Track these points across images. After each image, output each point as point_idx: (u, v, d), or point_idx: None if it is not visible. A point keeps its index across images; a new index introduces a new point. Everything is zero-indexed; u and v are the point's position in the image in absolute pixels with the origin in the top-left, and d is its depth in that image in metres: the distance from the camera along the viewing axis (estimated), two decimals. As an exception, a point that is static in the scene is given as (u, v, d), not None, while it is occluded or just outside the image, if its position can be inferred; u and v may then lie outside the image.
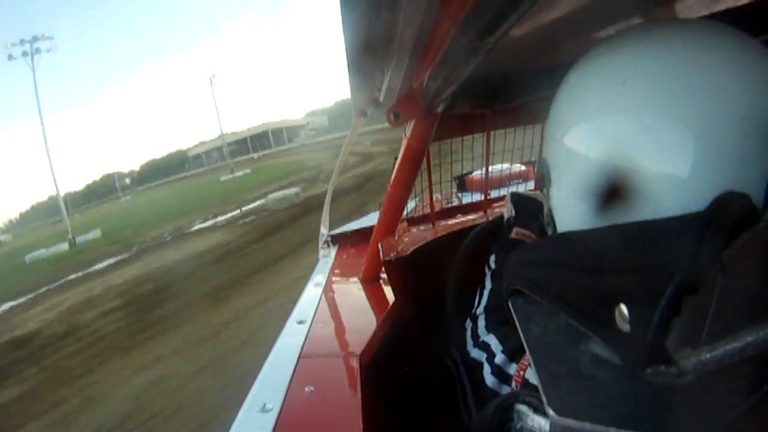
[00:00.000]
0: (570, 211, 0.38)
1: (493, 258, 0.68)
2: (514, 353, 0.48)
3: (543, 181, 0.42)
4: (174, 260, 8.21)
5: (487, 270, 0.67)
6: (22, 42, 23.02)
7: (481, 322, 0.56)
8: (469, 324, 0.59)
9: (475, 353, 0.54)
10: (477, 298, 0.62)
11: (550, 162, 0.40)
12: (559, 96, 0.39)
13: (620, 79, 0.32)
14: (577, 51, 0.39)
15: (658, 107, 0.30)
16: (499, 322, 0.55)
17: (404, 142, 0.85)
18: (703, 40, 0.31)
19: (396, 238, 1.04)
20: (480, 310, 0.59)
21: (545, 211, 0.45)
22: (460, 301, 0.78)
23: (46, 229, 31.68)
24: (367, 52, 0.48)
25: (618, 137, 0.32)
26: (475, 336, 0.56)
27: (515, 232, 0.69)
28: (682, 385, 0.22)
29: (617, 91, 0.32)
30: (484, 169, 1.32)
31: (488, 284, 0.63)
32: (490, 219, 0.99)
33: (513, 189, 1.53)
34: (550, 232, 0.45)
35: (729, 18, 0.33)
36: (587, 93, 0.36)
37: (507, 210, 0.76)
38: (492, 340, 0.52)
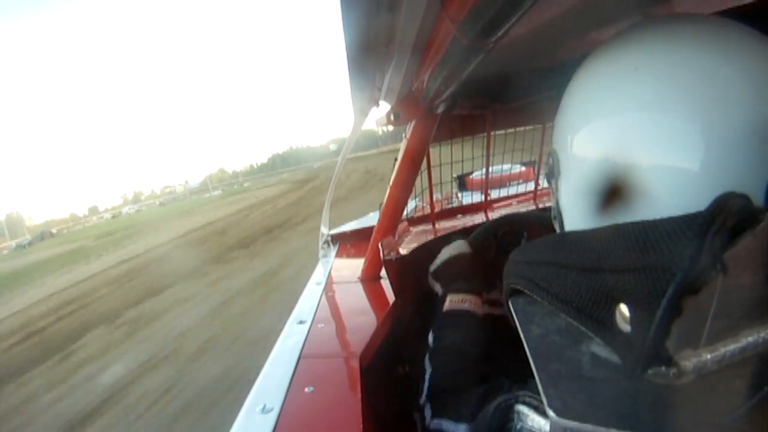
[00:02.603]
0: (577, 205, 0.38)
1: (431, 337, 0.63)
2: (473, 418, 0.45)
3: (552, 172, 0.42)
4: None
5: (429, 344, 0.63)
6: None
7: (427, 412, 0.54)
8: (417, 416, 0.56)
9: None
10: (420, 384, 0.58)
11: (559, 154, 0.40)
12: (571, 86, 0.39)
13: (633, 66, 0.32)
14: (578, 51, 0.39)
15: (670, 96, 0.30)
16: (444, 405, 0.52)
17: (404, 143, 0.85)
18: (716, 35, 0.31)
19: (396, 238, 1.04)
20: (423, 399, 0.56)
21: (552, 203, 0.45)
22: None
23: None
24: (367, 52, 0.48)
25: (627, 128, 0.32)
26: (424, 429, 0.53)
27: (450, 301, 0.65)
28: (683, 386, 0.22)
29: (629, 77, 0.32)
30: (484, 169, 1.32)
31: (428, 368, 0.59)
32: (490, 220, 0.99)
33: (513, 189, 1.53)
34: (557, 225, 0.44)
35: (739, 15, 0.33)
36: (599, 80, 0.35)
37: (434, 286, 0.72)
38: (444, 424, 0.50)
